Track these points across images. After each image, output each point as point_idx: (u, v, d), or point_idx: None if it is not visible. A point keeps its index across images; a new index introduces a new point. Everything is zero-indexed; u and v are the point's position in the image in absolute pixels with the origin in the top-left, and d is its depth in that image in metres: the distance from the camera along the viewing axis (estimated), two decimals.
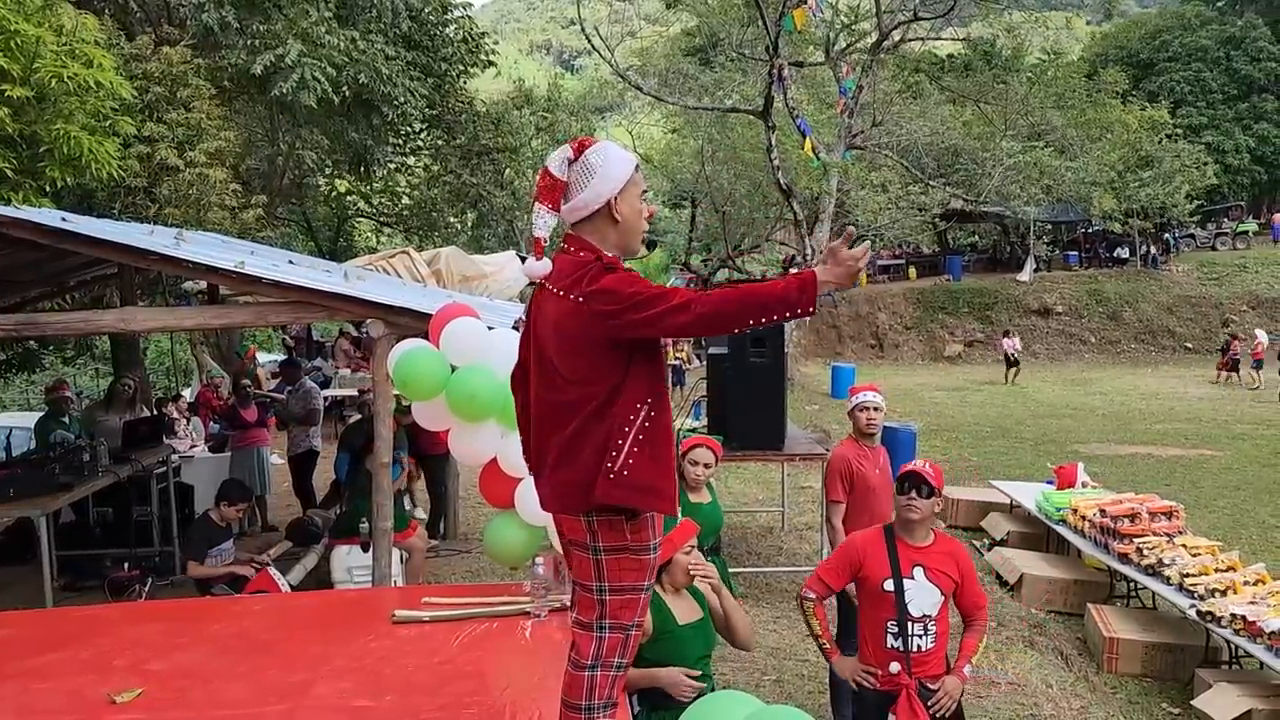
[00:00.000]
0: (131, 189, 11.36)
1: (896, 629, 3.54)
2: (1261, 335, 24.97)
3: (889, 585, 3.55)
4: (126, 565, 7.34)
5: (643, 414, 2.51)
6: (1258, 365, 23.80)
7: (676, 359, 21.65)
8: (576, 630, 2.66)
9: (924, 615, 3.55)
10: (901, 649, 3.54)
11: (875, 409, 5.09)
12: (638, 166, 2.64)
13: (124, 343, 13.42)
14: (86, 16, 9.15)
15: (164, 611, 4.76)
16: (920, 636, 3.54)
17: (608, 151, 2.59)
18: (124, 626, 4.12)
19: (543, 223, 2.59)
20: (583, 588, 2.64)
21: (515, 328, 5.70)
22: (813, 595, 3.70)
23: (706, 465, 4.56)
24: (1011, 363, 25.10)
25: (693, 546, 3.44)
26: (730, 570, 5.14)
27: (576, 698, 2.61)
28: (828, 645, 3.71)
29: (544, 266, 2.60)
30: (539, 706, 3.15)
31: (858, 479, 5.06)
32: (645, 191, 2.68)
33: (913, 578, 3.56)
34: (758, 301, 2.32)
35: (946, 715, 3.57)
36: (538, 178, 2.59)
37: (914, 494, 3.59)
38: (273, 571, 6.76)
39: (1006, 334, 27.47)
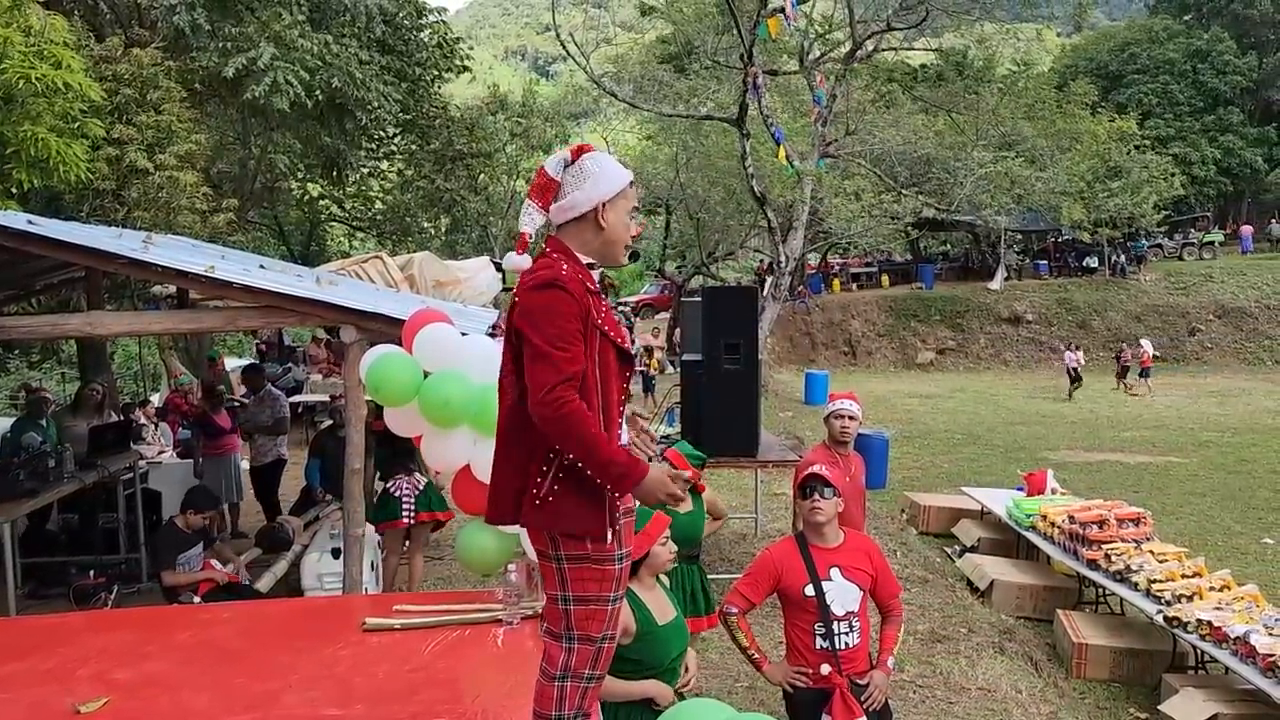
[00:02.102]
0: (100, 192, 11.24)
1: (823, 630, 3.62)
2: (1146, 344, 25.65)
3: (809, 591, 3.63)
4: (92, 572, 7.23)
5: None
6: (1144, 374, 24.51)
7: (643, 367, 21.62)
8: (548, 640, 2.67)
9: (847, 613, 3.64)
10: (830, 649, 3.62)
11: (850, 418, 5.09)
12: (633, 183, 2.70)
13: (91, 347, 13.24)
14: (55, 17, 9.04)
15: (130, 620, 4.69)
16: (847, 634, 3.63)
17: (604, 160, 2.66)
18: (89, 635, 4.06)
19: (529, 219, 2.63)
20: (549, 598, 2.66)
21: (490, 334, 5.69)
22: (734, 610, 3.77)
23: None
24: (1075, 378, 23.56)
25: (668, 538, 3.47)
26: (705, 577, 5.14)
27: (546, 708, 2.63)
28: (755, 655, 3.76)
29: (524, 261, 2.64)
30: (511, 715, 3.14)
31: None
32: (635, 207, 2.73)
33: (830, 579, 3.64)
34: (592, 449, 2.40)
35: (878, 709, 3.68)
36: (534, 175, 2.63)
37: (817, 496, 3.67)
38: (214, 562, 6.70)
39: (1070, 347, 25.54)
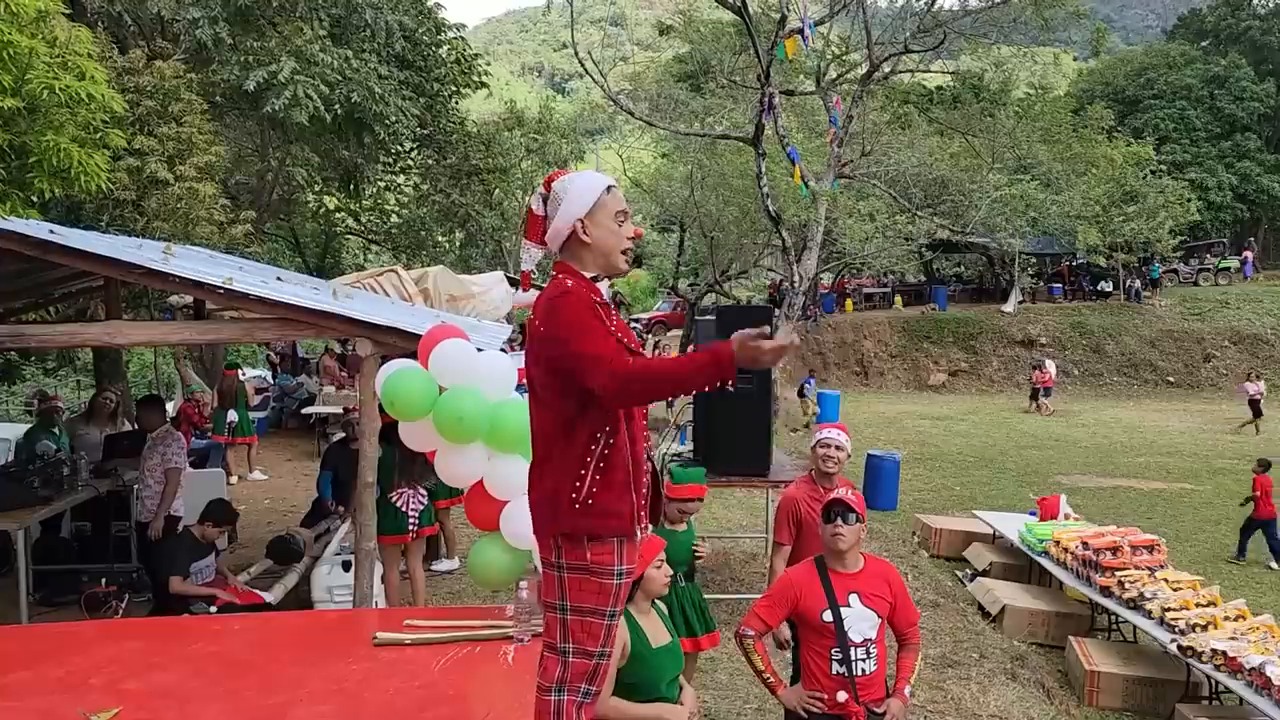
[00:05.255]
0: (120, 202, 11.34)
1: (840, 655, 3.59)
2: (1050, 365, 26.32)
3: (827, 616, 3.61)
4: (104, 581, 7.24)
5: (601, 443, 2.61)
6: (1046, 393, 25.17)
7: None
8: (545, 653, 2.72)
9: (865, 639, 3.61)
10: (846, 675, 3.59)
11: (837, 448, 4.78)
12: (610, 188, 2.73)
13: (106, 355, 13.34)
14: (80, 29, 9.13)
15: (141, 629, 4.71)
16: (864, 660, 3.60)
17: (573, 180, 2.72)
18: (100, 644, 4.07)
19: (528, 256, 2.76)
20: (548, 607, 2.71)
21: (504, 350, 5.70)
22: (751, 633, 3.74)
23: (684, 511, 4.64)
24: (1258, 411, 21.19)
25: (662, 560, 3.49)
26: (715, 596, 5.13)
27: None
28: (771, 679, 3.73)
29: (529, 298, 2.74)
30: None
31: (805, 522, 4.71)
32: (623, 211, 2.75)
33: (849, 605, 3.62)
34: (674, 376, 2.45)
35: None
36: (525, 216, 2.74)
37: (839, 522, 3.64)
38: (242, 588, 6.70)
39: (1250, 376, 22.68)
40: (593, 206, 2.68)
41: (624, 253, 2.74)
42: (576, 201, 2.67)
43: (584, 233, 2.67)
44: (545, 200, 2.71)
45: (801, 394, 22.31)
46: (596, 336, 2.52)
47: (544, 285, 2.74)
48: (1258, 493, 10.42)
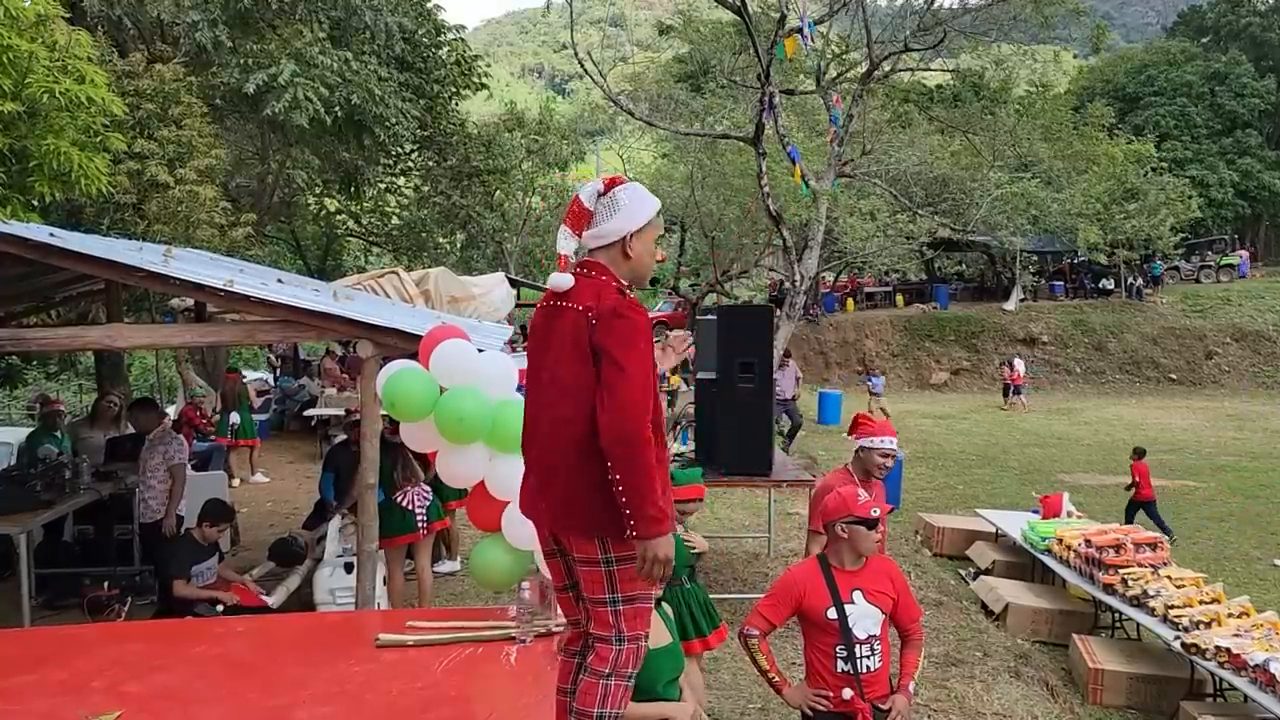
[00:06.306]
0: (120, 205, 11.33)
1: (845, 653, 3.60)
2: (1019, 364, 27.00)
3: (832, 614, 3.62)
4: (106, 584, 7.24)
5: (654, 443, 2.72)
6: (1017, 391, 25.98)
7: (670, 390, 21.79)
8: (597, 644, 2.81)
9: (869, 636, 3.62)
10: (852, 672, 3.60)
11: (894, 457, 4.87)
12: (659, 212, 2.91)
13: (108, 359, 13.35)
14: (80, 32, 9.14)
15: (143, 632, 4.70)
16: (868, 657, 3.61)
17: (635, 192, 2.86)
18: (102, 647, 4.06)
19: (565, 242, 2.83)
20: (595, 603, 2.80)
21: (504, 350, 5.69)
22: (756, 632, 3.74)
23: (683, 513, 4.62)
24: None
25: None
26: (717, 596, 5.12)
27: (590, 705, 2.76)
28: (776, 678, 3.73)
29: (567, 280, 2.81)
30: None
31: None
32: (661, 235, 2.95)
33: (853, 602, 3.63)
34: (645, 486, 2.60)
35: None
36: (570, 202, 2.83)
37: (880, 528, 3.73)
38: (251, 585, 6.71)
39: None
40: (644, 225, 2.84)
41: (650, 272, 2.96)
42: (634, 215, 2.82)
43: (630, 246, 2.83)
44: (598, 197, 2.82)
45: (871, 393, 22.31)
46: (646, 379, 2.66)
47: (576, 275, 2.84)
48: (1136, 478, 11.18)
